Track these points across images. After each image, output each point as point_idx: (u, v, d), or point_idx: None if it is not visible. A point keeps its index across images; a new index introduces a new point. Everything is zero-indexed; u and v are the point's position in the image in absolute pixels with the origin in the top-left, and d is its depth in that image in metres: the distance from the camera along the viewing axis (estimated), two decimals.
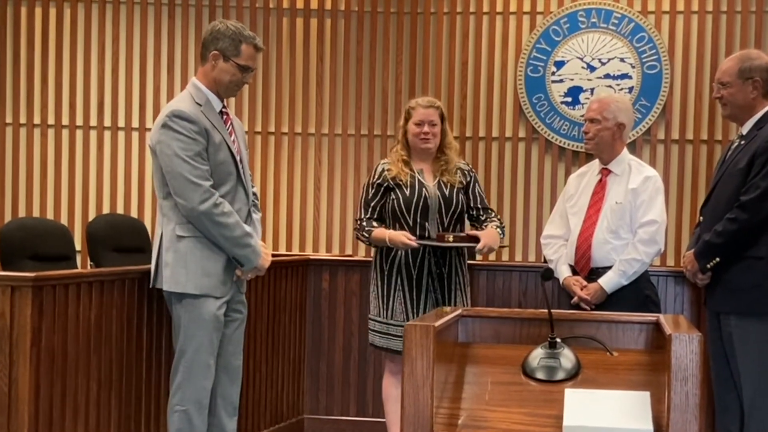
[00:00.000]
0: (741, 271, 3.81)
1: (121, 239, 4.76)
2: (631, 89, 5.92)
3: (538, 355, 2.70)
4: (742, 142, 3.92)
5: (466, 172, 4.41)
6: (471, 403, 2.61)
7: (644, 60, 5.91)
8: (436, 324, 2.51)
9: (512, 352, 2.76)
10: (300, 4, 6.19)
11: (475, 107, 6.10)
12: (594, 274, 4.18)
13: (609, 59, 5.95)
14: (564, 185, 4.69)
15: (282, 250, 6.10)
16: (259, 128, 6.24)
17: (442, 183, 4.32)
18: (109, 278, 3.68)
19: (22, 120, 6.22)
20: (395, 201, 4.29)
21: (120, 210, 6.17)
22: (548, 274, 2.86)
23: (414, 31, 6.13)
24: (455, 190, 4.32)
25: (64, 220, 6.00)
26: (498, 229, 4.29)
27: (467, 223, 4.45)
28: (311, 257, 5.52)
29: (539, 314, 2.88)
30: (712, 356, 3.96)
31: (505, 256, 5.95)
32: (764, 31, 5.85)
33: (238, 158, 3.75)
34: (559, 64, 5.99)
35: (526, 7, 6.04)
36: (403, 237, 4.16)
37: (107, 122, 6.21)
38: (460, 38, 6.11)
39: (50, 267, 3.97)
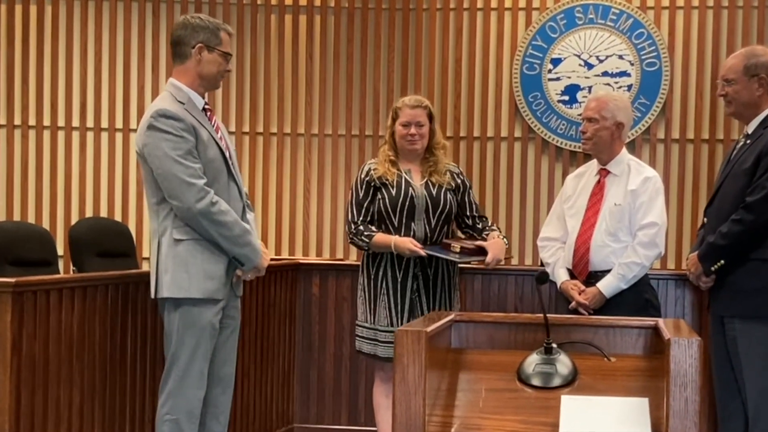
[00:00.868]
0: (746, 274, 3.81)
1: (105, 244, 4.75)
2: (629, 87, 5.85)
3: (533, 361, 2.69)
4: (748, 141, 3.92)
5: (456, 175, 4.36)
6: (464, 410, 2.61)
7: (643, 57, 5.84)
8: (428, 329, 2.51)
9: (507, 358, 2.77)
10: (288, 1, 6.13)
11: (469, 106, 6.03)
12: (592, 277, 4.14)
13: (607, 56, 5.89)
14: (561, 186, 4.64)
15: (271, 254, 5.99)
16: (246, 128, 6.16)
17: (430, 183, 4.26)
18: (92, 284, 3.66)
19: (2, 121, 6.14)
20: (381, 201, 4.23)
21: (104, 213, 6.10)
22: (543, 277, 2.86)
23: (406, 28, 6.07)
24: (443, 190, 4.26)
25: (45, 224, 5.94)
26: (503, 239, 4.24)
27: (460, 228, 4.39)
28: (301, 261, 5.54)
29: (535, 319, 2.89)
30: (715, 361, 3.96)
31: None
32: (767, 27, 5.80)
33: (227, 154, 3.70)
34: (556, 62, 5.92)
35: (522, 3, 5.99)
36: (409, 244, 4.09)
37: (90, 123, 6.13)
38: (453, 35, 6.03)
39: (31, 272, 3.95)
